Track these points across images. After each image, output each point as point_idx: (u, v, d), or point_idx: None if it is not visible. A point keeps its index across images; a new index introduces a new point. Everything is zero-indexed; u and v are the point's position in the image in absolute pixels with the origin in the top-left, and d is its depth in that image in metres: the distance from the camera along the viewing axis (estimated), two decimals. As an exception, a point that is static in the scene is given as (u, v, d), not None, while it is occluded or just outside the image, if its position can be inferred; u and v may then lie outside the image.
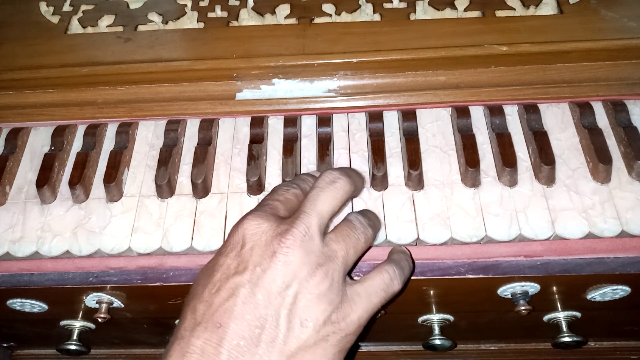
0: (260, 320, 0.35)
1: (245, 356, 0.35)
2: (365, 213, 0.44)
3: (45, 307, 0.53)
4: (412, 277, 0.47)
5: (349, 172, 0.43)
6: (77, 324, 0.56)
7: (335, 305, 0.37)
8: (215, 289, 0.37)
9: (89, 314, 0.53)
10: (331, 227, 0.42)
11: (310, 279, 0.37)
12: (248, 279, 0.36)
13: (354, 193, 0.44)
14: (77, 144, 0.55)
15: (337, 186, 0.41)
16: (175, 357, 0.35)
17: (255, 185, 0.49)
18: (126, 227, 0.48)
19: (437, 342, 0.55)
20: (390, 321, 0.55)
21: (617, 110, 0.51)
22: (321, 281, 0.37)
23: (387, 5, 0.58)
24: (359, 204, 0.48)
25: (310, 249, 0.38)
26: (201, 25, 0.58)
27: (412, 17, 0.57)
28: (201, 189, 0.49)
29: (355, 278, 0.41)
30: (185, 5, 0.60)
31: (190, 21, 0.59)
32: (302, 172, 0.51)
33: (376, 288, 0.40)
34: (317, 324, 0.36)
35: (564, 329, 0.53)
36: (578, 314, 0.53)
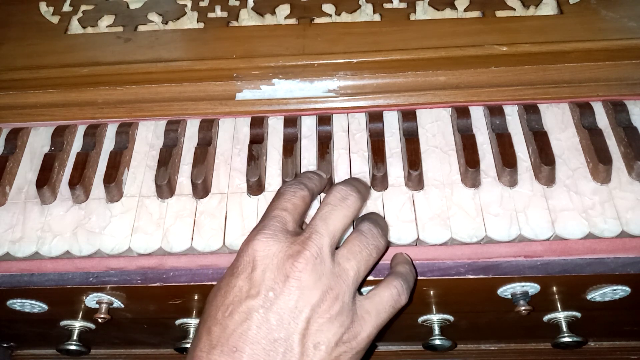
0: (275, 345, 0.36)
1: None
2: (377, 220, 0.44)
3: (45, 307, 0.53)
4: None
5: (358, 186, 0.43)
6: (77, 324, 0.56)
7: (346, 327, 0.38)
8: (228, 312, 0.37)
9: (89, 314, 0.53)
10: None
11: (322, 303, 0.37)
12: (261, 304, 0.37)
13: (363, 201, 0.43)
14: (77, 144, 0.55)
15: (349, 203, 0.41)
16: None
17: (255, 186, 0.49)
18: (126, 227, 0.48)
19: (437, 342, 0.55)
20: (390, 321, 0.55)
21: (617, 110, 0.51)
22: (332, 304, 0.37)
23: (387, 5, 0.58)
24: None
25: (322, 271, 0.38)
26: (201, 25, 0.58)
27: (412, 17, 0.57)
28: (201, 189, 0.49)
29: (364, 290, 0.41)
30: (185, 6, 0.60)
31: (190, 21, 0.59)
32: (302, 172, 0.51)
33: (385, 304, 0.40)
34: (330, 347, 0.37)
35: (564, 329, 0.53)
36: (578, 314, 0.53)
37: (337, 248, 0.40)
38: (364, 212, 0.47)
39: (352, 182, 0.43)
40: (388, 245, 0.46)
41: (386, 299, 0.40)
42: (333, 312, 0.37)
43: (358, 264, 0.40)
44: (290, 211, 0.41)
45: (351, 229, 0.43)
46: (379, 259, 0.42)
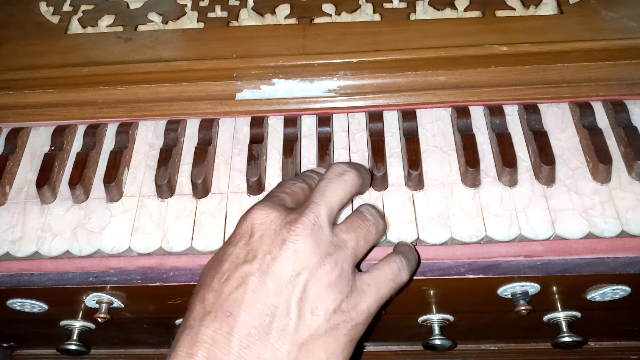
0: (271, 309, 0.35)
1: (257, 345, 0.35)
2: (375, 206, 0.44)
3: (45, 307, 0.53)
4: (413, 277, 0.47)
5: (357, 166, 0.43)
6: (77, 324, 0.56)
7: (345, 295, 0.37)
8: (224, 278, 0.37)
9: (89, 314, 0.53)
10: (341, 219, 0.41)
11: (320, 267, 0.37)
12: (258, 267, 0.36)
13: (362, 188, 0.43)
14: (77, 144, 0.55)
15: (346, 178, 0.41)
16: (184, 347, 0.35)
17: (255, 185, 0.49)
18: (126, 227, 0.48)
19: (437, 342, 0.55)
20: (390, 321, 0.55)
21: (617, 110, 0.51)
22: (331, 270, 0.37)
23: (387, 5, 0.58)
24: (359, 203, 0.48)
25: (320, 238, 0.38)
26: (201, 25, 0.58)
27: (412, 17, 0.57)
28: (201, 189, 0.49)
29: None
30: (185, 5, 0.60)
31: (190, 21, 0.59)
32: (302, 172, 0.51)
33: (385, 278, 0.40)
34: (328, 313, 0.36)
35: (564, 329, 0.53)
36: (578, 314, 0.53)
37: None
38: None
39: (352, 162, 0.44)
40: (385, 228, 0.45)
41: (386, 273, 0.40)
42: (332, 278, 0.37)
43: (357, 237, 0.39)
44: (289, 194, 0.42)
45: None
46: (378, 240, 0.42)
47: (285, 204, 0.40)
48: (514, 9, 0.57)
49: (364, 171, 0.44)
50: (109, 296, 0.50)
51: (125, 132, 0.54)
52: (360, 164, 0.47)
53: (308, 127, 0.54)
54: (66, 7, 0.61)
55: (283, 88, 0.54)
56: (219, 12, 0.59)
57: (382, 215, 0.43)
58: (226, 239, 0.47)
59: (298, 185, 0.43)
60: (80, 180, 0.50)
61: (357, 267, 0.40)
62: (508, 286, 0.48)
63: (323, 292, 0.36)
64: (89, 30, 0.59)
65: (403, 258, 0.42)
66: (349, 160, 0.51)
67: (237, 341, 0.34)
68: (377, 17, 0.57)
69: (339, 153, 0.52)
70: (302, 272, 0.36)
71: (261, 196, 0.50)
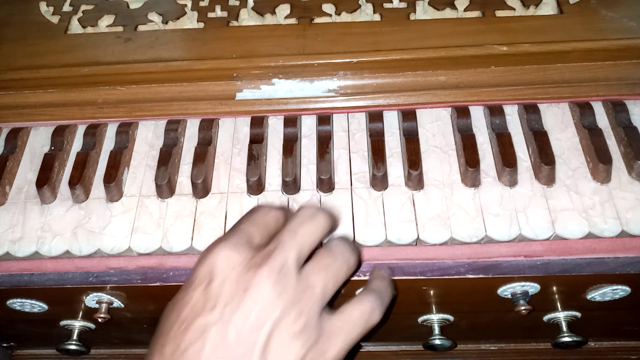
0: None
1: None
2: (346, 238, 0.42)
3: (45, 307, 0.53)
4: (412, 277, 0.47)
5: (326, 210, 0.41)
6: (77, 324, 0.56)
7: (311, 344, 0.35)
8: (182, 328, 0.34)
9: (89, 314, 0.53)
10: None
11: (284, 318, 0.35)
12: (218, 318, 0.34)
13: (330, 231, 0.41)
14: (77, 144, 0.55)
15: (318, 220, 0.39)
16: None
17: (255, 185, 0.49)
18: (126, 227, 0.48)
19: (437, 342, 0.55)
20: (390, 321, 0.55)
21: (617, 110, 0.51)
22: (296, 320, 0.35)
23: (387, 5, 0.58)
24: (359, 203, 0.48)
25: (285, 284, 0.35)
26: (201, 25, 0.58)
27: (412, 17, 0.57)
28: (201, 189, 0.49)
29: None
30: (185, 5, 0.60)
31: (190, 21, 0.59)
32: (302, 172, 0.51)
33: (355, 321, 0.37)
34: None
35: (564, 329, 0.53)
36: (578, 314, 0.53)
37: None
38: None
39: (320, 207, 0.41)
40: (359, 263, 0.44)
41: (357, 316, 0.37)
42: (296, 329, 0.35)
43: (325, 279, 0.37)
44: (260, 226, 0.39)
45: None
46: (350, 276, 0.40)
47: (252, 241, 0.38)
48: (514, 9, 0.57)
49: (332, 216, 0.41)
50: (109, 296, 0.50)
51: (125, 132, 0.54)
52: (327, 208, 0.45)
53: (308, 127, 0.54)
54: (66, 7, 0.61)
55: (283, 88, 0.54)
56: (219, 12, 0.59)
57: (353, 249, 0.40)
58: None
59: (272, 215, 0.40)
60: (80, 180, 0.50)
61: (329, 303, 0.38)
62: (508, 286, 0.48)
63: (287, 343, 0.34)
64: (89, 30, 0.59)
65: (377, 297, 0.39)
66: (348, 158, 0.51)
67: None
68: (377, 17, 0.57)
69: (339, 153, 0.52)
70: (265, 324, 0.34)
71: (261, 196, 0.50)
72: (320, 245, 0.40)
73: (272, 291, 0.35)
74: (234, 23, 0.58)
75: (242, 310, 0.34)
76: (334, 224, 0.41)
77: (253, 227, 0.39)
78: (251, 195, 0.50)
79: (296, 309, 0.35)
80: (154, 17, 0.59)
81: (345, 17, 0.58)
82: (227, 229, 0.48)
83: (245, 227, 0.39)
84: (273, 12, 0.59)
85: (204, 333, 0.34)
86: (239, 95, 0.54)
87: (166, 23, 0.59)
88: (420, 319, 0.56)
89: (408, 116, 0.53)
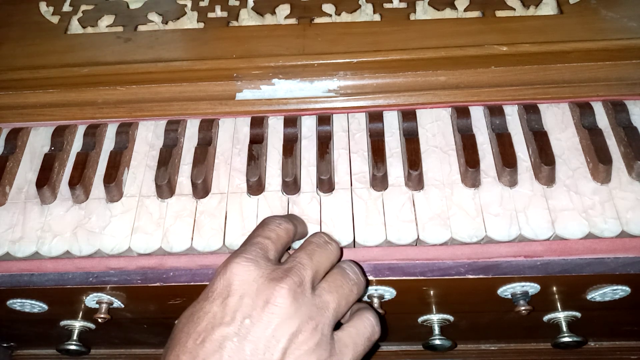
0: None
1: None
2: (356, 263, 0.43)
3: (45, 307, 0.53)
4: (412, 278, 0.47)
5: (335, 240, 0.43)
6: (77, 324, 0.56)
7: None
8: (200, 340, 0.35)
9: (89, 314, 0.53)
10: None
11: (300, 334, 0.36)
12: (236, 332, 0.35)
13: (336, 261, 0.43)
14: (77, 144, 0.55)
15: (332, 248, 0.41)
16: None
17: (255, 186, 0.49)
18: (126, 227, 0.48)
19: (437, 342, 0.55)
20: (390, 321, 0.55)
21: (617, 110, 0.51)
22: (310, 336, 0.36)
23: (387, 5, 0.58)
24: (359, 203, 0.48)
25: (302, 301, 0.36)
26: (201, 25, 0.58)
27: (412, 17, 0.57)
28: (201, 189, 0.49)
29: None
30: (185, 5, 0.60)
31: (190, 21, 0.59)
32: (302, 172, 0.51)
33: (362, 337, 0.39)
34: None
35: (564, 329, 0.53)
36: (578, 314, 0.53)
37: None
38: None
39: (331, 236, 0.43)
40: (366, 287, 0.46)
41: (362, 330, 0.39)
42: (311, 344, 0.36)
43: (339, 298, 0.39)
44: (274, 240, 0.40)
45: None
46: (359, 299, 0.41)
47: (267, 255, 0.39)
48: (514, 9, 0.57)
49: (340, 247, 0.44)
50: (109, 296, 0.50)
51: (125, 132, 0.54)
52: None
53: (308, 127, 0.54)
54: (66, 7, 0.61)
55: (283, 88, 0.54)
56: (219, 12, 0.59)
57: (363, 272, 0.42)
58: (226, 239, 0.47)
59: (284, 227, 0.41)
60: (80, 180, 0.50)
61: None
62: (508, 286, 0.48)
63: (303, 358, 0.35)
64: (89, 30, 0.59)
65: (375, 314, 0.41)
66: (348, 158, 0.51)
67: None
68: (377, 17, 0.57)
69: (338, 153, 0.52)
70: (282, 339, 0.35)
71: (261, 196, 0.49)
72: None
73: (290, 307, 0.36)
74: (234, 23, 0.58)
75: (260, 325, 0.35)
76: (341, 255, 0.43)
77: (267, 240, 0.40)
78: (251, 196, 0.50)
79: (311, 324, 0.36)
80: (154, 17, 0.59)
81: (345, 17, 0.58)
82: (227, 229, 0.48)
83: (260, 240, 0.40)
84: (273, 12, 0.59)
85: (222, 346, 0.34)
86: (239, 96, 0.54)
87: (166, 23, 0.59)
88: (420, 319, 0.56)
89: (408, 116, 0.53)
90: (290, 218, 0.44)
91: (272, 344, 0.35)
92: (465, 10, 0.57)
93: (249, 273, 0.37)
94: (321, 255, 0.40)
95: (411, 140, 0.51)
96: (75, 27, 0.60)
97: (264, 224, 0.42)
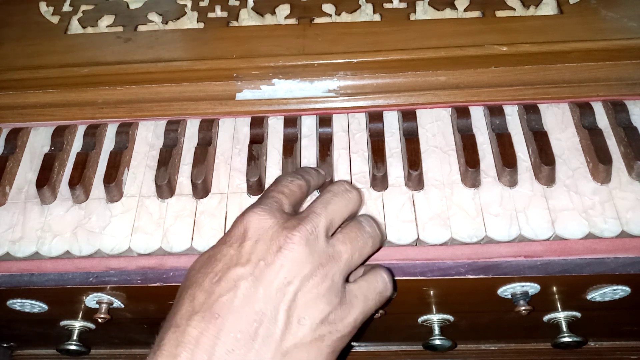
0: (259, 315, 0.36)
1: (241, 350, 0.35)
2: (374, 218, 0.44)
3: (45, 307, 0.53)
4: (412, 278, 0.47)
5: (356, 188, 0.43)
6: (77, 324, 0.56)
7: (333, 306, 0.37)
8: (216, 279, 0.37)
9: (89, 314, 0.53)
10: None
11: (311, 278, 0.37)
12: (250, 272, 0.36)
13: (359, 209, 0.44)
14: (77, 144, 0.55)
15: (351, 196, 0.42)
16: (169, 346, 0.35)
17: (255, 186, 0.49)
18: (126, 227, 0.48)
19: (437, 342, 0.55)
20: (390, 321, 0.55)
21: (617, 110, 0.51)
22: (322, 281, 0.37)
23: (387, 5, 0.58)
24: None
25: (314, 248, 0.38)
26: (201, 25, 0.58)
27: (412, 17, 0.57)
28: (201, 189, 0.49)
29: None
30: (185, 5, 0.60)
31: (190, 21, 0.59)
32: (300, 167, 0.51)
33: (373, 291, 0.40)
34: (315, 323, 0.36)
35: (564, 329, 0.53)
36: (578, 314, 0.53)
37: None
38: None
39: (351, 184, 0.44)
40: (383, 241, 0.46)
41: (374, 285, 0.40)
42: (322, 289, 0.37)
43: (352, 249, 0.40)
44: (287, 195, 0.42)
45: None
46: (374, 252, 0.42)
47: (282, 208, 0.40)
48: (514, 9, 0.57)
49: (362, 195, 0.45)
50: (109, 296, 0.50)
51: (125, 132, 0.54)
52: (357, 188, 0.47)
53: (308, 128, 0.54)
54: (66, 7, 0.61)
55: (283, 88, 0.54)
56: (219, 12, 0.59)
57: (380, 227, 0.43)
58: (229, 229, 0.47)
59: (296, 184, 0.43)
60: (80, 180, 0.50)
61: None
62: (508, 286, 0.48)
63: (312, 302, 0.37)
64: (89, 30, 0.59)
65: (388, 272, 0.42)
66: (348, 158, 0.51)
67: (222, 345, 0.34)
68: (377, 17, 0.57)
69: (339, 153, 0.52)
70: (293, 281, 0.37)
71: (261, 196, 0.49)
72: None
73: (302, 252, 0.37)
74: (234, 23, 0.58)
75: (273, 268, 0.37)
76: (362, 203, 0.44)
77: (281, 195, 0.42)
78: (251, 196, 0.50)
79: (323, 271, 0.37)
80: (154, 17, 0.59)
81: (345, 17, 0.58)
82: (227, 229, 0.48)
83: (274, 194, 0.41)
84: (273, 12, 0.59)
85: (236, 285, 0.36)
86: (239, 96, 0.54)
87: (166, 23, 0.59)
88: (420, 319, 0.56)
89: (408, 116, 0.53)
90: (303, 174, 0.45)
91: (283, 285, 0.36)
92: (465, 10, 0.57)
93: (265, 221, 0.38)
94: (337, 203, 0.41)
95: (411, 140, 0.51)
96: (75, 27, 0.60)
97: (277, 181, 0.44)
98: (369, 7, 0.58)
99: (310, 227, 0.38)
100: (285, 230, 0.38)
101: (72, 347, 0.55)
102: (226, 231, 0.40)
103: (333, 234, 0.40)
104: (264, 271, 0.36)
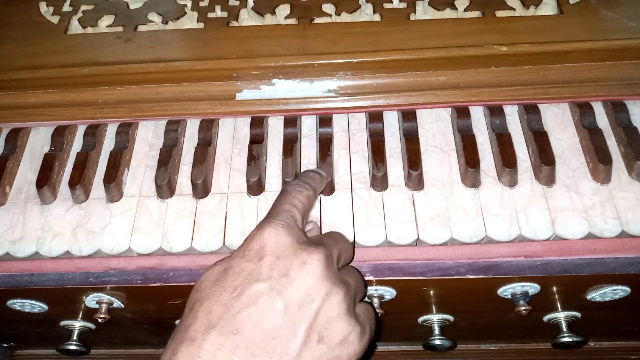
0: (278, 331, 0.35)
1: None
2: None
3: (45, 307, 0.53)
4: (412, 278, 0.47)
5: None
6: (77, 324, 0.56)
7: (352, 327, 0.37)
8: (236, 293, 0.36)
9: (89, 314, 0.53)
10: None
11: (333, 296, 0.37)
12: (272, 287, 0.36)
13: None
14: (77, 144, 0.55)
15: (349, 245, 0.44)
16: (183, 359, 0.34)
17: (255, 186, 0.49)
18: (126, 227, 0.48)
19: (437, 342, 0.55)
20: (390, 321, 0.55)
21: (617, 110, 0.51)
22: (342, 300, 0.37)
23: (387, 5, 0.58)
24: (359, 203, 0.48)
25: (333, 271, 0.38)
26: (201, 25, 0.58)
27: (412, 17, 0.57)
28: (201, 189, 0.49)
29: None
30: (185, 5, 0.60)
31: (190, 21, 0.59)
32: (302, 171, 0.51)
33: (372, 317, 0.41)
34: (334, 343, 0.36)
35: (564, 329, 0.53)
36: (578, 314, 0.53)
37: None
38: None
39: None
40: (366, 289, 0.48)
41: (371, 313, 0.41)
42: (342, 308, 0.37)
43: (357, 282, 0.41)
44: (299, 209, 0.42)
45: None
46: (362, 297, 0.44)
47: (297, 223, 0.41)
48: (514, 9, 0.57)
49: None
50: (109, 296, 0.50)
51: (125, 132, 0.54)
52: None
53: (308, 128, 0.54)
54: (66, 7, 0.61)
55: (283, 88, 0.54)
56: (219, 12, 0.59)
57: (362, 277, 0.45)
58: (226, 239, 0.47)
59: (305, 195, 0.43)
60: (80, 180, 0.50)
61: None
62: (508, 286, 0.48)
63: (333, 321, 0.37)
64: (89, 30, 0.59)
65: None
66: (348, 158, 0.51)
67: None
68: (377, 17, 0.57)
69: (339, 153, 0.52)
70: (316, 298, 0.36)
71: (261, 196, 0.49)
72: None
73: (324, 271, 0.37)
74: (234, 23, 0.58)
75: (295, 284, 0.36)
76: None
77: (294, 208, 0.42)
78: (251, 196, 0.50)
79: (342, 291, 0.37)
80: (154, 17, 0.59)
81: (345, 17, 0.58)
82: (227, 229, 0.48)
83: (289, 208, 0.42)
84: (273, 12, 0.59)
85: (257, 300, 0.36)
86: (239, 96, 0.54)
87: (166, 23, 0.59)
88: (420, 319, 0.56)
89: (408, 116, 0.53)
90: (309, 181, 0.45)
91: (306, 302, 0.36)
92: (465, 10, 0.57)
93: (284, 238, 0.38)
94: (342, 245, 0.42)
95: (411, 140, 0.51)
96: (75, 27, 0.60)
97: (286, 192, 0.43)
98: (369, 7, 0.58)
99: (327, 251, 0.38)
100: (308, 249, 0.38)
101: (72, 347, 0.55)
102: (242, 244, 0.39)
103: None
104: (286, 286, 0.36)
